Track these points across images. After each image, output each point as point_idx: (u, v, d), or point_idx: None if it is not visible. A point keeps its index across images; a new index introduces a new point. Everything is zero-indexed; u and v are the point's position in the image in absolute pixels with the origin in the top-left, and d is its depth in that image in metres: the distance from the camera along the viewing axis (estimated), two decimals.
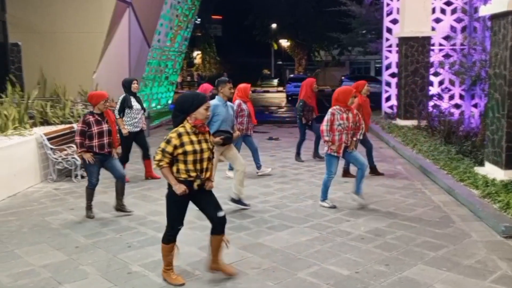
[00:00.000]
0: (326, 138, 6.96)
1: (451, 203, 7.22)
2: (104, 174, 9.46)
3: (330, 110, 6.99)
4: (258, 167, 9.14)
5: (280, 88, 45.29)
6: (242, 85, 8.92)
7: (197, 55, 55.27)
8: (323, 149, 7.76)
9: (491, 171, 7.83)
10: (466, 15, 14.71)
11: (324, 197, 7.19)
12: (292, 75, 43.15)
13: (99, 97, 6.61)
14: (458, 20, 14.98)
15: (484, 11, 8.31)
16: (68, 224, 6.49)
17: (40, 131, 9.17)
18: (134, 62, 15.40)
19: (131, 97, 8.64)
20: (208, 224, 6.32)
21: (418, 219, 6.44)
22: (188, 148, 4.39)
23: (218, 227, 4.70)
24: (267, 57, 54.27)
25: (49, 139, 8.90)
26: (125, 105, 8.55)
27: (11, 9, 13.53)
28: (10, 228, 6.34)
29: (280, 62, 58.15)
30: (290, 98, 35.01)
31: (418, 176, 8.97)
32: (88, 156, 6.55)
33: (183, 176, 4.47)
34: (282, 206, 7.13)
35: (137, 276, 4.84)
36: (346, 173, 8.88)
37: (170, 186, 4.53)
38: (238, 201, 7.03)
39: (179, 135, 4.39)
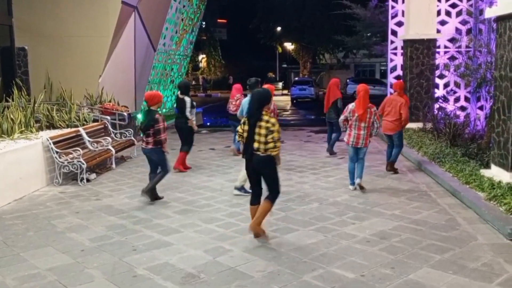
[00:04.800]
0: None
1: (456, 205, 7.19)
2: (111, 177, 9.51)
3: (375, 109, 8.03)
4: None
5: (285, 91, 45.25)
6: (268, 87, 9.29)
7: (202, 58, 55.41)
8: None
9: (497, 173, 7.80)
10: (472, 17, 14.66)
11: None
12: (297, 78, 43.14)
13: (160, 96, 7.60)
14: (464, 22, 14.92)
15: (490, 13, 8.29)
16: (74, 227, 6.51)
17: (46, 135, 9.21)
18: (140, 66, 15.44)
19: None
20: (213, 228, 6.37)
21: (423, 222, 6.42)
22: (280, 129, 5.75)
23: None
24: (272, 60, 54.30)
25: (55, 143, 8.94)
26: (193, 106, 9.72)
27: (17, 13, 13.60)
28: (16, 232, 6.36)
29: (285, 65, 58.17)
30: (294, 101, 34.98)
31: (424, 178, 8.94)
32: (167, 150, 7.63)
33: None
34: (287, 209, 7.13)
35: (143, 280, 4.85)
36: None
37: (274, 162, 5.71)
38: (241, 188, 7.89)
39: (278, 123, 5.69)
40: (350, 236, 5.96)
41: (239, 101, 10.77)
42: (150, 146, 7.45)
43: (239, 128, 5.93)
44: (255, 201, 5.87)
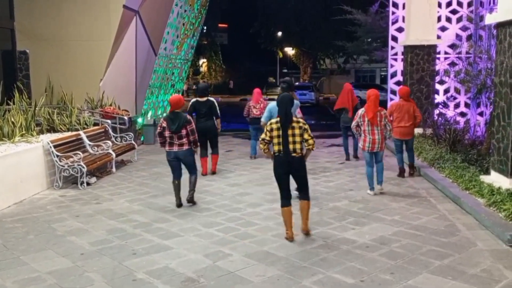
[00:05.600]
0: None
1: (456, 211, 7.20)
2: (111, 181, 9.52)
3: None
4: None
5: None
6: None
7: (203, 63, 55.45)
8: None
9: (496, 179, 7.80)
10: (472, 23, 14.67)
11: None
12: (297, 83, 43.16)
13: (183, 99, 7.82)
14: (464, 29, 14.93)
15: (490, 19, 8.31)
16: (74, 231, 6.52)
17: (47, 138, 9.23)
18: (141, 70, 15.45)
19: None
20: (213, 232, 6.37)
21: (423, 228, 6.43)
22: None
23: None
24: (272, 65, 54.30)
25: (55, 146, 8.95)
26: None
27: (19, 17, 13.62)
28: (17, 235, 6.37)
29: (286, 70, 58.22)
30: None
31: (424, 184, 8.95)
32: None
33: None
34: None
35: (142, 284, 4.85)
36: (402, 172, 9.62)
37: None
38: None
39: None
40: (350, 241, 5.97)
41: (263, 105, 10.93)
42: (186, 147, 7.54)
43: (263, 135, 6.00)
44: (288, 203, 6.05)
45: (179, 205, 7.62)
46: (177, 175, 7.64)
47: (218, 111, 9.98)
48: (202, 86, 10.43)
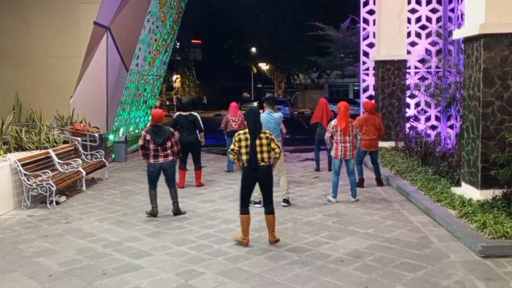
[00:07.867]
0: None
1: (428, 223, 7.24)
2: (81, 200, 9.31)
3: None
4: None
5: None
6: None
7: (176, 79, 55.26)
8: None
9: (467, 191, 7.89)
10: (441, 38, 14.99)
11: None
12: None
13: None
14: (433, 44, 15.25)
15: (458, 34, 8.48)
16: (42, 251, 6.32)
17: (14, 157, 8.99)
18: (112, 87, 15.27)
19: None
20: (185, 250, 6.26)
21: (396, 240, 6.44)
22: None
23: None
24: (246, 80, 54.39)
25: (23, 165, 8.72)
26: None
27: None
28: None
29: (260, 85, 58.44)
30: None
31: (396, 197, 9.00)
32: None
33: None
34: (261, 229, 7.05)
35: None
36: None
37: None
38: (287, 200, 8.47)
39: None
40: (324, 255, 5.93)
41: (241, 118, 11.41)
42: (171, 158, 7.82)
43: (232, 146, 6.26)
44: (248, 211, 6.33)
45: (156, 213, 7.87)
46: (154, 186, 7.90)
47: (202, 125, 10.23)
48: (185, 101, 10.76)
